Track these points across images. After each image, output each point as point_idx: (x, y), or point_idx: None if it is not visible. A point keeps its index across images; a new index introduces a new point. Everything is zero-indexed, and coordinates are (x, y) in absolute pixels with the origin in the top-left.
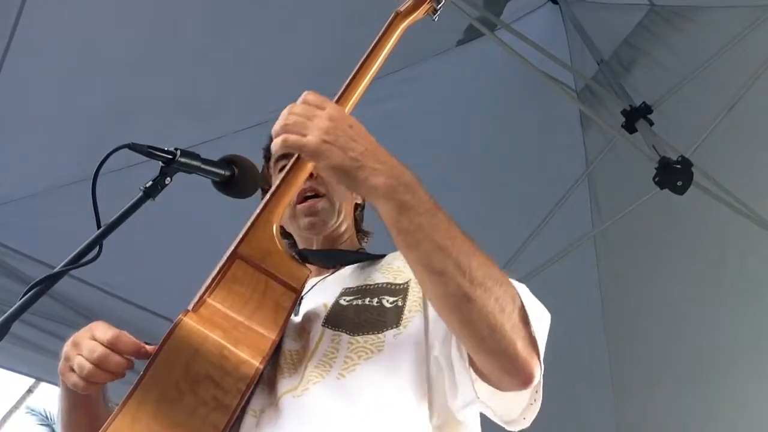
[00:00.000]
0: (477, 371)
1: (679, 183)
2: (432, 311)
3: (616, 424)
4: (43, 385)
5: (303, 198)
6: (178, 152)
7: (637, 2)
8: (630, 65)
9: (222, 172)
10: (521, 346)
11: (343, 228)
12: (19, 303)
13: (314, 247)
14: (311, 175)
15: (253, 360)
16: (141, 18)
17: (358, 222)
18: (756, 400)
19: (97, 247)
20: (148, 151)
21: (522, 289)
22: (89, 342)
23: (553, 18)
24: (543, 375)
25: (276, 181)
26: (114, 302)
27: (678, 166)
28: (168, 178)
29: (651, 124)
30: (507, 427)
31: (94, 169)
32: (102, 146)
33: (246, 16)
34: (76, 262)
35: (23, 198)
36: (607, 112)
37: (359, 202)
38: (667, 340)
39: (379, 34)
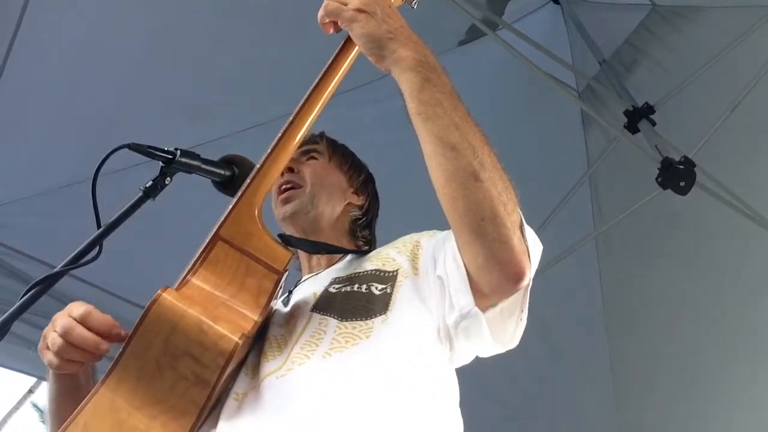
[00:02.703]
0: (471, 280)
1: (682, 183)
2: (423, 262)
3: (617, 424)
4: (44, 384)
5: (281, 190)
6: (178, 152)
7: (639, 2)
8: (632, 65)
9: (222, 172)
10: (517, 241)
11: (322, 223)
12: (19, 303)
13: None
14: (291, 169)
15: (232, 335)
16: (142, 20)
17: (352, 223)
18: (756, 400)
19: (97, 247)
20: (148, 151)
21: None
22: (63, 318)
23: (555, 18)
24: (544, 374)
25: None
26: (114, 302)
27: (681, 167)
28: (168, 178)
29: (653, 124)
30: (501, 349)
31: (94, 170)
32: (103, 147)
33: (246, 18)
34: (76, 262)
35: (23, 198)
36: (609, 112)
37: (355, 201)
38: (667, 341)
39: None
